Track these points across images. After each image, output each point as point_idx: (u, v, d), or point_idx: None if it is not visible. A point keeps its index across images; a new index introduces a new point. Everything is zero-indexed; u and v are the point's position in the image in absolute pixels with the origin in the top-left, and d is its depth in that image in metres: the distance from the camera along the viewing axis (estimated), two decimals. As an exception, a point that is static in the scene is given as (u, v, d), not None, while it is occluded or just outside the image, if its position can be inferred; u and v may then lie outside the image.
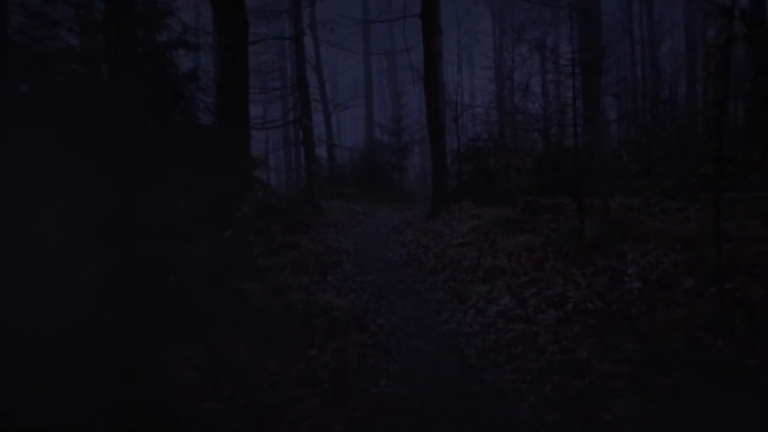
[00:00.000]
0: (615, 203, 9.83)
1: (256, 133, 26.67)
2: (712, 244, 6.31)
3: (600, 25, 16.86)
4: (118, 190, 5.34)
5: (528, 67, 17.27)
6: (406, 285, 6.70)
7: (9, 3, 6.64)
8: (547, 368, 3.82)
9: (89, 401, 3.63)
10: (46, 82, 6.56)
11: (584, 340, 4.26)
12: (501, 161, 13.38)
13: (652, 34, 24.85)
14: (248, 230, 5.90)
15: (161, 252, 5.02)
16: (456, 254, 8.32)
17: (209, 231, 5.66)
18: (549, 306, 5.01)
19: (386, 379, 3.95)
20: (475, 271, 6.68)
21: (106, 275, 4.50)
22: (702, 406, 3.09)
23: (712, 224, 7.82)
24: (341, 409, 3.54)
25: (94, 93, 7.75)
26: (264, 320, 5.01)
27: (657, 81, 20.41)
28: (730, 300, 4.44)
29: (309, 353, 4.44)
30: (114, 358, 4.04)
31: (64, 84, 6.93)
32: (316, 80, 21.69)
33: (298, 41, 15.99)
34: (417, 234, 10.88)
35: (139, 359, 4.09)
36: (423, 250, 9.18)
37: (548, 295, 5.24)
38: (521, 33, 19.78)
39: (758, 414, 3.01)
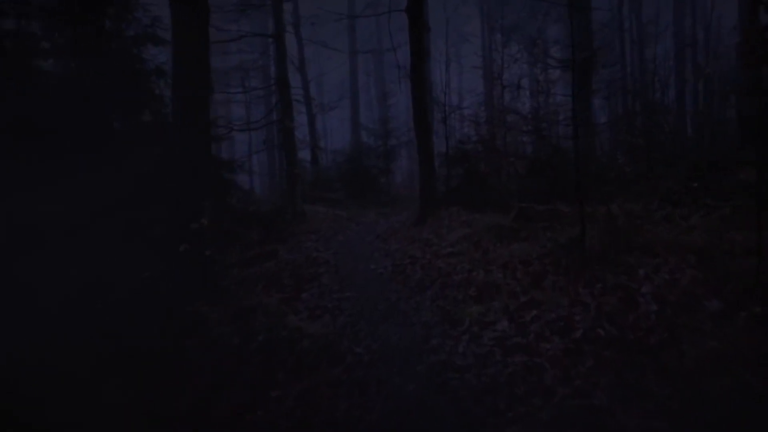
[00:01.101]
0: (615, 210, 9.17)
1: (238, 135, 25.88)
2: (731, 257, 5.69)
3: (590, 24, 16.33)
4: (57, 197, 4.58)
5: (519, 67, 16.66)
6: (390, 303, 5.97)
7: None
8: (558, 418, 3.11)
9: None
10: None
11: (600, 378, 3.57)
12: (491, 164, 12.71)
13: (641, 36, 24.45)
14: (207, 244, 5.14)
15: (91, 272, 4.26)
16: (445, 266, 7.62)
17: (162, 245, 4.90)
18: (553, 333, 4.31)
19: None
20: (467, 287, 5.97)
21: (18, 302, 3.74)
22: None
23: (723, 233, 7.23)
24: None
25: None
26: (218, 354, 4.25)
27: (647, 83, 19.97)
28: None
29: (270, 395, 3.69)
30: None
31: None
32: (300, 80, 20.93)
33: (279, 38, 15.23)
34: (403, 242, 10.16)
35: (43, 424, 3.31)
36: (409, 260, 8.46)
37: (551, 318, 4.54)
38: (512, 33, 19.19)
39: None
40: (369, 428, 3.26)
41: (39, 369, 3.58)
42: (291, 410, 3.46)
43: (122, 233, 4.82)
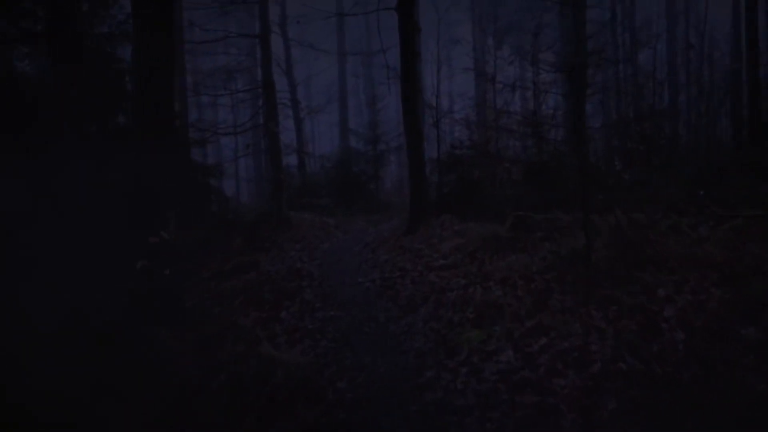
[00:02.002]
0: (620, 219, 8.62)
1: (225, 139, 25.14)
2: (757, 274, 5.15)
3: (585, 25, 15.89)
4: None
5: (513, 70, 16.18)
6: (378, 325, 5.36)
7: None
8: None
9: None
10: None
11: (626, 424, 2.98)
12: (485, 170, 12.15)
13: (634, 40, 24.12)
14: (168, 260, 4.51)
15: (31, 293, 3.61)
16: (438, 280, 7.02)
17: (118, 262, 4.27)
18: (567, 366, 3.72)
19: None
20: (464, 306, 5.37)
21: None
22: None
23: (739, 246, 6.70)
24: None
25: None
26: (170, 396, 3.61)
27: (641, 88, 19.65)
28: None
29: (232, 449, 3.07)
30: None
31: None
32: (286, 83, 20.32)
33: (265, 39, 14.63)
34: (392, 253, 9.56)
35: None
36: (399, 273, 7.86)
37: (564, 348, 3.95)
38: (505, 35, 18.74)
39: None
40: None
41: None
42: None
43: (73, 247, 4.19)
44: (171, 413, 3.36)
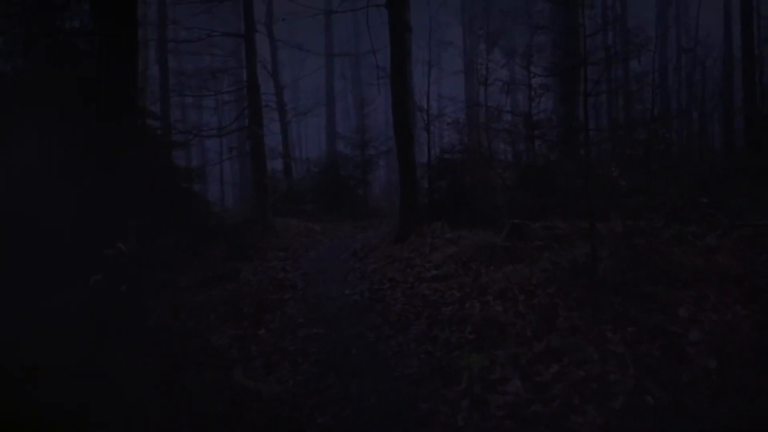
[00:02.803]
0: (618, 227, 8.18)
1: (210, 142, 24.49)
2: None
3: (578, 32, 15.58)
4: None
5: (505, 73, 15.80)
6: (367, 345, 4.83)
7: None
8: None
9: None
10: None
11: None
12: (478, 176, 11.67)
13: (625, 46, 23.91)
14: (126, 275, 3.95)
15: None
16: (431, 293, 6.53)
17: (65, 277, 3.71)
18: (585, 399, 3.23)
19: None
20: (461, 324, 4.87)
21: None
22: None
23: (754, 258, 6.28)
24: None
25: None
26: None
27: (632, 93, 19.40)
28: None
29: None
30: None
31: None
32: (272, 86, 19.78)
33: (249, 38, 14.08)
34: (382, 262, 9.05)
35: None
36: (389, 284, 7.35)
37: (579, 378, 3.46)
38: (497, 38, 18.39)
39: None
40: None
41: None
42: None
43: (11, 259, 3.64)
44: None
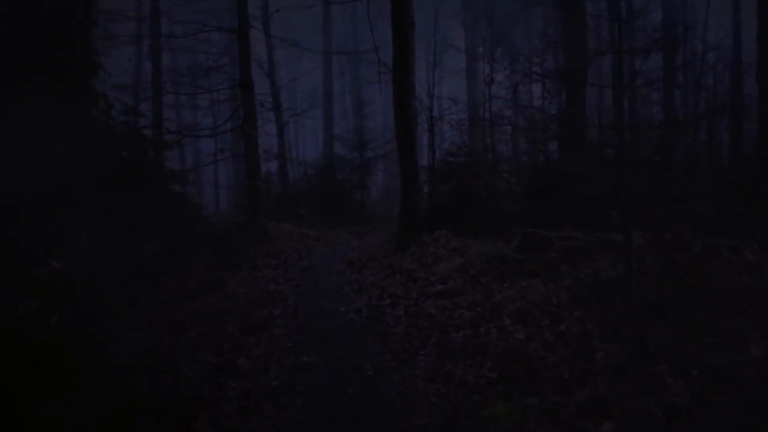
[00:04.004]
0: (643, 238, 7.45)
1: (204, 144, 23.65)
2: None
3: (586, 34, 14.89)
4: None
5: (511, 73, 15.10)
6: (364, 381, 4.06)
7: None
8: None
9: None
10: None
11: None
12: (483, 181, 10.92)
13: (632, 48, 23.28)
14: (63, 301, 3.15)
15: None
16: (437, 312, 5.78)
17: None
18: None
19: None
20: (477, 356, 4.11)
21: None
22: None
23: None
24: None
25: None
26: None
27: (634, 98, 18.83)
28: None
29: None
30: None
31: None
32: (268, 86, 19.01)
33: (243, 34, 13.32)
34: (381, 273, 8.29)
35: None
36: (389, 301, 6.60)
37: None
38: (500, 40, 17.67)
39: None
40: None
41: None
42: None
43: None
44: None
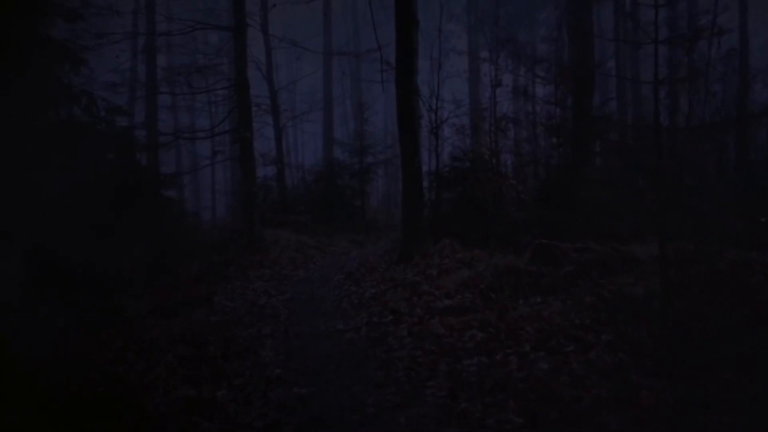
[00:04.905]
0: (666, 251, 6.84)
1: (201, 147, 22.99)
2: None
3: (593, 37, 14.34)
4: None
5: (513, 76, 14.56)
6: (366, 419, 3.43)
7: None
8: None
9: None
10: None
11: None
12: (490, 187, 10.30)
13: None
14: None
15: None
16: (446, 332, 5.18)
17: None
18: None
19: None
20: (498, 392, 3.50)
21: None
22: None
23: None
24: None
25: None
26: None
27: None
28: None
29: None
30: None
31: None
32: (266, 88, 18.44)
33: (238, 32, 12.76)
34: (382, 286, 7.68)
35: None
36: (392, 318, 5.99)
37: None
38: (504, 42, 17.14)
39: None
40: None
41: None
42: None
43: None
44: None
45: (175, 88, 15.83)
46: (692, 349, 3.74)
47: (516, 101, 16.42)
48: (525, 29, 23.38)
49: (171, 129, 19.42)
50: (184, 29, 13.45)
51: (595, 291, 5.91)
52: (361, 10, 20.92)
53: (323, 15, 20.37)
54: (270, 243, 12.47)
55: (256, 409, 3.60)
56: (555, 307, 5.57)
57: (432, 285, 7.19)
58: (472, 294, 6.47)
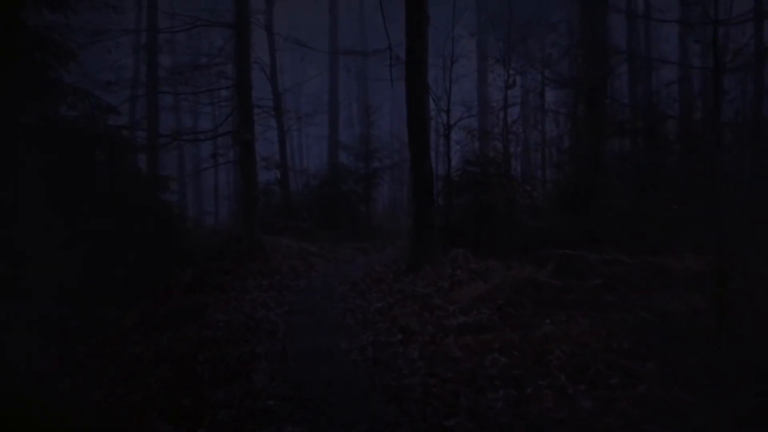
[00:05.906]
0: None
1: (206, 149, 22.41)
2: None
3: (606, 41, 13.71)
4: None
5: (521, 79, 13.99)
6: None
7: None
8: None
9: None
10: None
11: None
12: (505, 193, 9.68)
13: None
14: None
15: None
16: (463, 356, 4.57)
17: None
18: None
19: None
20: (532, 437, 2.87)
21: None
22: None
23: None
24: None
25: None
26: None
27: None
28: None
29: None
30: None
31: None
32: (270, 90, 17.90)
33: (241, 29, 12.22)
34: (389, 299, 7.08)
35: None
36: (401, 337, 5.38)
37: None
38: (515, 44, 16.58)
39: None
40: None
41: None
42: None
43: None
44: None
45: (176, 87, 15.35)
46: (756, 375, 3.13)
47: (525, 105, 15.84)
48: (536, 34, 22.83)
49: (172, 130, 18.92)
50: (185, 26, 12.95)
51: (627, 308, 5.31)
52: (368, 9, 20.38)
53: (329, 13, 19.83)
54: (271, 250, 11.88)
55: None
56: (584, 326, 4.96)
57: (444, 299, 6.58)
58: (490, 310, 5.86)
